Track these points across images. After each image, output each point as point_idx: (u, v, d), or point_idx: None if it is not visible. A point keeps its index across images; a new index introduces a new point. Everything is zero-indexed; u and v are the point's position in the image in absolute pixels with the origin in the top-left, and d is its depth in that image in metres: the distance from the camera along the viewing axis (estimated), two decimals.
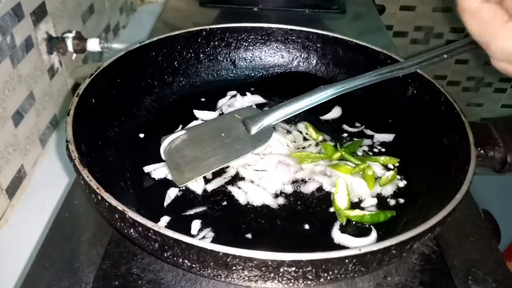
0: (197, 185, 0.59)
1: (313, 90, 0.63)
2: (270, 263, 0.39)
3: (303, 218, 0.56)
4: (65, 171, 0.78)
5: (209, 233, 0.53)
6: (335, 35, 0.77)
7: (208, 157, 0.61)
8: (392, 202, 0.59)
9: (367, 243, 0.52)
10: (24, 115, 0.76)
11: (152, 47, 0.71)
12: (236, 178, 0.61)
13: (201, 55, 0.77)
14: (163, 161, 0.62)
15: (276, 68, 0.81)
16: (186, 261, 0.42)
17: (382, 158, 0.64)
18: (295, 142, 0.67)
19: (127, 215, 0.42)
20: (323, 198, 0.59)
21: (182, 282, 0.52)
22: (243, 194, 0.58)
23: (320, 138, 0.67)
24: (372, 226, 0.55)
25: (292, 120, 0.70)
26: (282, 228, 0.55)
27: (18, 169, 0.74)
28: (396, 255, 0.43)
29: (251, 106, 0.73)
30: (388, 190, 0.60)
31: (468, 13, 0.42)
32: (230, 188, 0.59)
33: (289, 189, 0.60)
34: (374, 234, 0.54)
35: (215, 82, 0.78)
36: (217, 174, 0.61)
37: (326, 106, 0.71)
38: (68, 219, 0.60)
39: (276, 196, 0.59)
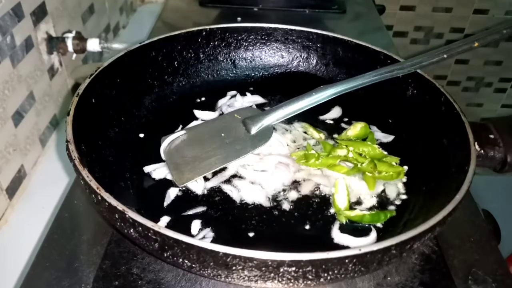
0: (197, 185, 0.59)
1: (313, 90, 0.63)
2: (270, 263, 0.39)
3: (303, 218, 0.56)
4: (65, 171, 0.78)
5: (209, 233, 0.53)
6: (335, 35, 0.77)
7: (208, 157, 0.61)
8: (392, 202, 0.59)
9: (367, 243, 0.52)
10: (24, 115, 0.76)
11: (152, 47, 0.71)
12: (236, 178, 0.61)
13: (201, 55, 0.77)
14: (163, 161, 0.62)
15: (276, 68, 0.81)
16: (186, 261, 0.42)
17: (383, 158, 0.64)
18: (295, 142, 0.67)
19: (127, 215, 0.42)
20: (323, 198, 0.59)
21: (182, 282, 0.52)
22: (243, 194, 0.58)
23: (322, 136, 0.68)
24: (372, 226, 0.55)
25: (292, 120, 0.70)
26: (282, 228, 0.55)
27: (18, 169, 0.74)
28: (396, 255, 0.43)
29: (251, 106, 0.73)
30: (388, 190, 0.60)
31: None
32: (230, 188, 0.59)
33: (289, 189, 0.60)
34: (374, 234, 0.54)
35: (215, 82, 0.78)
36: (217, 174, 0.61)
37: (326, 106, 0.71)
38: (68, 219, 0.60)
39: (276, 196, 0.59)
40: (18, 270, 0.63)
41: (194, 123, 0.69)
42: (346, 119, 0.72)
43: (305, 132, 0.69)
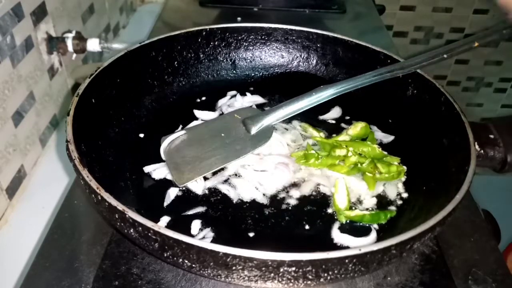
0: (197, 185, 0.59)
1: (313, 90, 0.63)
2: (270, 263, 0.39)
3: (303, 218, 0.56)
4: (65, 171, 0.78)
5: (209, 233, 0.53)
6: (335, 35, 0.77)
7: (208, 157, 0.61)
8: (392, 202, 0.59)
9: (367, 243, 0.51)
10: (24, 115, 0.76)
11: (152, 47, 0.71)
12: (236, 178, 0.61)
13: (201, 55, 0.77)
14: (163, 161, 0.62)
15: (276, 68, 0.81)
16: (186, 261, 0.42)
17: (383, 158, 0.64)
18: (295, 141, 0.67)
19: (127, 215, 0.42)
20: (323, 198, 0.59)
21: (182, 282, 0.52)
22: (243, 194, 0.58)
23: (322, 135, 0.68)
24: (372, 226, 0.55)
25: (292, 120, 0.70)
26: (282, 228, 0.55)
27: (18, 169, 0.74)
28: (396, 255, 0.43)
29: (251, 106, 0.73)
30: (388, 190, 0.60)
31: None
32: (230, 188, 0.59)
33: (289, 189, 0.60)
34: (374, 234, 0.54)
35: (215, 82, 0.78)
36: (216, 174, 0.61)
37: (326, 106, 0.71)
38: (68, 219, 0.60)
39: (276, 196, 0.59)
40: (18, 270, 0.63)
41: (194, 123, 0.69)
42: (346, 119, 0.72)
43: (304, 132, 0.69)
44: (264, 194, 0.59)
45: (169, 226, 0.53)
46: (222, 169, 0.61)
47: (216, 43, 0.77)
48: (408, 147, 0.66)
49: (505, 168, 0.58)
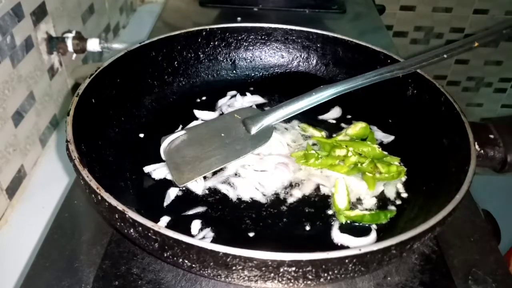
0: (197, 185, 0.59)
1: (313, 90, 0.63)
2: (270, 263, 0.39)
3: (303, 218, 0.56)
4: (65, 171, 0.78)
5: (209, 233, 0.53)
6: (335, 35, 0.77)
7: (208, 157, 0.61)
8: (392, 202, 0.59)
9: (367, 243, 0.51)
10: (24, 115, 0.76)
11: (152, 47, 0.71)
12: (236, 178, 0.61)
13: (201, 55, 0.77)
14: (163, 161, 0.62)
15: (276, 68, 0.81)
16: (186, 261, 0.42)
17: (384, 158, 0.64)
18: (295, 141, 0.67)
19: (127, 215, 0.42)
20: (323, 198, 0.59)
21: (182, 282, 0.52)
22: (243, 194, 0.58)
23: (324, 134, 0.68)
24: (372, 226, 0.55)
25: (292, 120, 0.70)
26: (282, 228, 0.55)
27: (18, 169, 0.74)
28: (396, 255, 0.43)
29: (251, 106, 0.73)
30: (388, 190, 0.60)
31: None
32: (230, 188, 0.59)
33: (289, 189, 0.60)
34: (374, 234, 0.54)
35: (215, 82, 0.78)
36: (216, 174, 0.61)
37: (326, 106, 0.71)
38: (68, 219, 0.60)
39: (276, 196, 0.59)
40: (18, 270, 0.63)
41: (194, 123, 0.69)
42: (347, 118, 0.72)
43: (304, 132, 0.69)
44: (264, 194, 0.59)
45: (169, 226, 0.53)
46: (222, 169, 0.61)
47: (216, 43, 0.78)
48: (408, 147, 0.66)
49: (505, 168, 0.58)
